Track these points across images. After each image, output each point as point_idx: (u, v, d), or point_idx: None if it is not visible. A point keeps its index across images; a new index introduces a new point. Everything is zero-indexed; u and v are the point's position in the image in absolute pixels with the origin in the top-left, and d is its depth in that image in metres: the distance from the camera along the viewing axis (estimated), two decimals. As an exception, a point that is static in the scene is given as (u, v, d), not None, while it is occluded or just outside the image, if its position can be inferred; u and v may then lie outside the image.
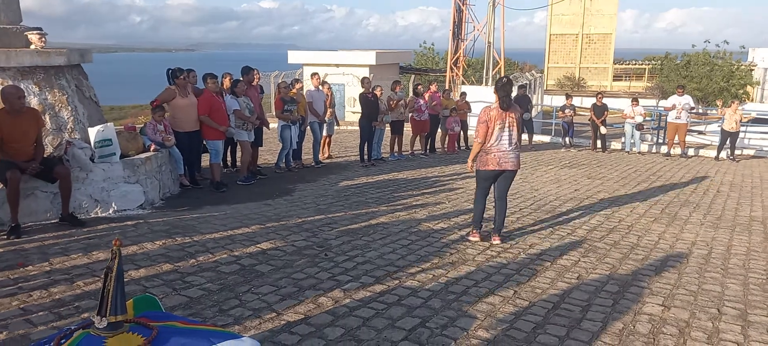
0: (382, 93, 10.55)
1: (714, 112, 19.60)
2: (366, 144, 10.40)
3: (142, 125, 7.75)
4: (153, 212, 6.46)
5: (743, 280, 4.78)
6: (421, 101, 11.75)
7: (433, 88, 12.54)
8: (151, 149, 7.00)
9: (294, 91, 9.58)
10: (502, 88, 5.36)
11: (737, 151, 13.41)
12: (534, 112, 22.72)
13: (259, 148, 9.17)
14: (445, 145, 12.79)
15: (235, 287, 4.28)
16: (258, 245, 5.28)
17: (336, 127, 11.42)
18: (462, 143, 13.49)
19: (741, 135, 13.64)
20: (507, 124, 5.39)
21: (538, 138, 16.58)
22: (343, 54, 22.73)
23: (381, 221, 6.36)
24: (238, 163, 8.81)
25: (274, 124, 11.34)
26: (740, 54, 39.82)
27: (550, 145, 15.08)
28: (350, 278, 4.54)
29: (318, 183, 8.56)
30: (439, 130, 12.79)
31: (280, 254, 5.08)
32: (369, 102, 10.19)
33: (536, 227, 6.30)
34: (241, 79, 8.58)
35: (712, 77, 33.00)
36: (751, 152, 14.28)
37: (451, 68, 25.45)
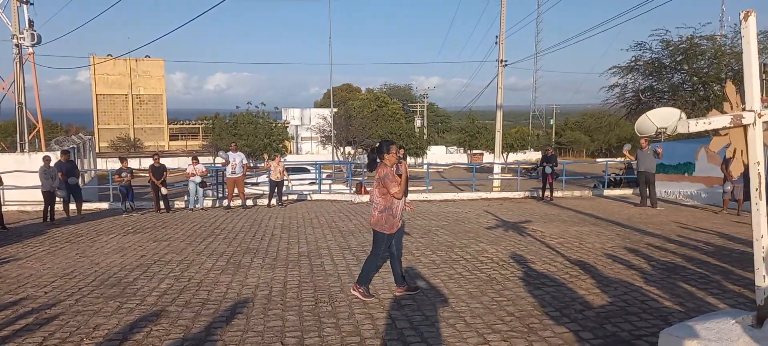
0: None
1: (261, 164, 22.22)
2: None
3: None
4: None
5: (298, 310, 5.44)
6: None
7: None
8: None
9: None
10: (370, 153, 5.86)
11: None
12: (87, 178, 20.84)
13: None
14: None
15: None
16: None
17: None
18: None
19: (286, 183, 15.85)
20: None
21: (94, 206, 15.25)
22: None
23: None
24: None
25: None
26: (276, 114, 46.77)
27: (109, 212, 14.06)
28: None
29: None
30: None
31: None
32: None
33: (99, 304, 5.64)
34: None
35: (257, 134, 37.56)
36: (294, 197, 16.79)
37: (-27, 133, 20.89)
